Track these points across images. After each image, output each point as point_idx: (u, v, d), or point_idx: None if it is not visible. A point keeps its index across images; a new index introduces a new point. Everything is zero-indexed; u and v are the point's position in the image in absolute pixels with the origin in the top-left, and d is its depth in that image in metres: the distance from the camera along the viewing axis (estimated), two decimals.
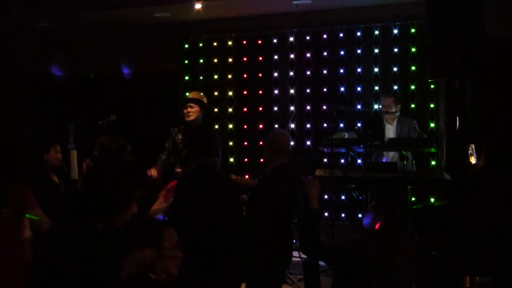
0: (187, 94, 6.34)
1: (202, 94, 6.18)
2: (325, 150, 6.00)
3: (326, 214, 7.11)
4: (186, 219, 4.02)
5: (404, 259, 3.56)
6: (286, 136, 4.54)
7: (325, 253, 3.73)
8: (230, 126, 8.05)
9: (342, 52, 7.50)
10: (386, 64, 7.32)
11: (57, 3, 7.67)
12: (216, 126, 8.04)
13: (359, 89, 7.41)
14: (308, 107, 7.66)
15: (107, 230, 2.50)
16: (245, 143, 7.97)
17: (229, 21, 7.96)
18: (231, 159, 7.94)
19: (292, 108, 7.70)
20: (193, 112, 6.01)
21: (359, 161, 7.08)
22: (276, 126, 7.71)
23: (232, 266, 4.08)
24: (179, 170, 5.78)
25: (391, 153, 6.33)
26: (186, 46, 8.27)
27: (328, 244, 4.59)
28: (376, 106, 7.14)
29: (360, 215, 6.98)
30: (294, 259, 5.86)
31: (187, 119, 6.04)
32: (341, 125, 7.32)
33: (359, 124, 7.16)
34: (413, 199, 6.51)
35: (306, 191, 3.95)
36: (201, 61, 8.20)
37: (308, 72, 7.65)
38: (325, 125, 7.50)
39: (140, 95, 8.43)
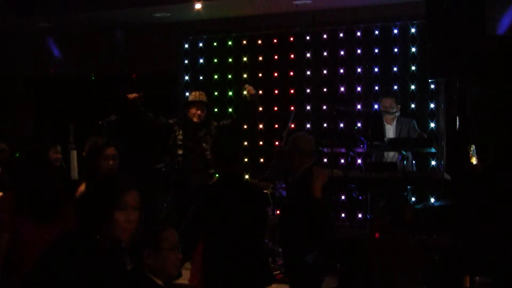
0: (189, 93, 6.35)
1: (204, 93, 6.24)
2: (325, 150, 5.99)
3: None
4: (211, 231, 3.82)
5: (409, 259, 3.56)
6: (309, 138, 4.45)
7: (329, 247, 3.72)
8: None
9: (342, 52, 7.49)
10: (386, 64, 7.31)
11: (57, 3, 7.66)
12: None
13: (359, 89, 7.40)
14: (308, 107, 7.66)
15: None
16: (245, 143, 7.95)
17: (229, 21, 7.94)
18: None
19: (292, 108, 7.69)
20: (200, 114, 6.10)
21: (359, 161, 7.07)
22: (276, 126, 7.71)
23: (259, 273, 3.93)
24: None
25: (391, 153, 6.32)
26: (186, 46, 8.26)
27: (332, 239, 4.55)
28: (376, 106, 7.13)
29: (360, 215, 6.97)
30: None
31: (195, 120, 6.10)
32: (341, 125, 7.32)
33: (359, 124, 7.15)
34: (413, 199, 6.50)
35: (312, 180, 3.93)
36: (201, 61, 8.19)
37: (308, 72, 7.64)
38: (325, 125, 7.49)
39: None
